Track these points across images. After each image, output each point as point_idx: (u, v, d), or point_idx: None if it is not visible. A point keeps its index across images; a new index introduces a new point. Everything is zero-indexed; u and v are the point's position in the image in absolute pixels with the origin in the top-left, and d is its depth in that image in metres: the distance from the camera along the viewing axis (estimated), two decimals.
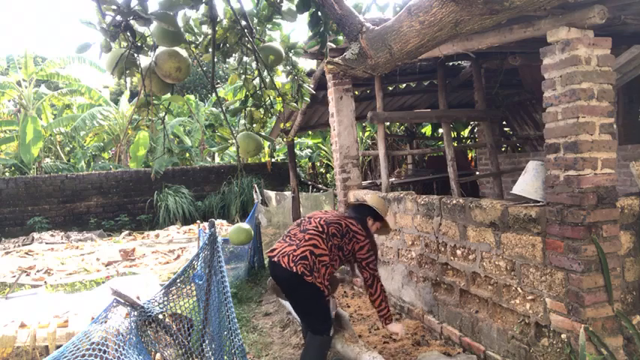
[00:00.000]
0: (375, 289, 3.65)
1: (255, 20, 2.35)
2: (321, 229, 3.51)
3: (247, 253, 7.21)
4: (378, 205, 3.91)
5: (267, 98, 2.46)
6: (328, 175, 16.14)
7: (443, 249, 4.24)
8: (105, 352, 2.06)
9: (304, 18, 2.26)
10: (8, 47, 63.79)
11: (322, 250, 3.44)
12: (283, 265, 3.38)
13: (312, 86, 3.61)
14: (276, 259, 3.45)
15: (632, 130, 7.04)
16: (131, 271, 7.61)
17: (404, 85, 8.05)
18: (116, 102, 18.12)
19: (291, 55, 2.52)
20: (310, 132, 13.29)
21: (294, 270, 3.33)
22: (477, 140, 9.65)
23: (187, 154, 17.64)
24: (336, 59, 2.14)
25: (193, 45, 2.30)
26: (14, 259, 9.11)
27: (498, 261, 3.57)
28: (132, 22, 1.69)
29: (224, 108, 2.37)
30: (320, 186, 14.30)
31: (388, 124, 11.44)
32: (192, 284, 3.03)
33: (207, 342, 2.97)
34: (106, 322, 2.39)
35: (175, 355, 2.79)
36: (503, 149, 9.80)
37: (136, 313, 2.60)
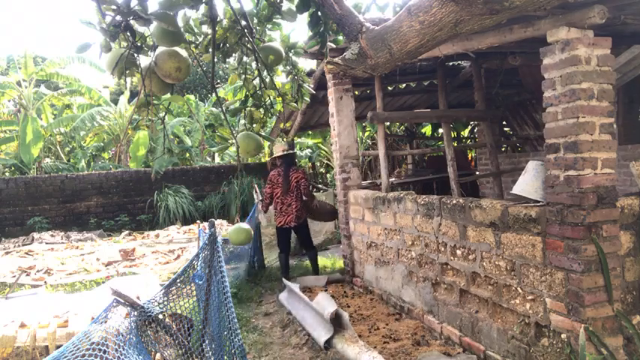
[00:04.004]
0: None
1: (255, 20, 2.35)
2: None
3: (247, 253, 7.20)
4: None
5: (267, 98, 2.46)
6: (328, 175, 16.12)
7: (443, 249, 4.24)
8: (105, 352, 2.06)
9: (304, 18, 2.26)
10: (8, 47, 63.70)
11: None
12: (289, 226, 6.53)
13: (312, 86, 3.61)
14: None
15: (632, 130, 7.04)
16: (131, 271, 7.60)
17: (404, 85, 8.05)
18: (116, 102, 18.11)
19: (291, 55, 2.52)
20: (310, 132, 13.28)
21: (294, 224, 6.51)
22: (477, 140, 9.65)
23: (187, 154, 17.63)
24: (336, 59, 2.14)
25: (193, 45, 2.30)
26: (14, 259, 9.10)
27: (498, 261, 3.57)
28: (132, 22, 1.69)
29: (224, 108, 2.37)
30: (320, 186, 14.29)
31: (388, 124, 11.44)
32: (192, 284, 3.03)
33: (207, 342, 2.97)
34: (106, 322, 2.38)
35: (175, 355, 2.79)
36: (503, 149, 9.80)
37: (136, 313, 2.60)
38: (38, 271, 7.96)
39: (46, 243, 11.18)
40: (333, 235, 9.47)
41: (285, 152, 6.61)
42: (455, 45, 4.12)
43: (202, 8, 2.08)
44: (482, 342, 3.79)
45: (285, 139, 9.09)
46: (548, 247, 3.12)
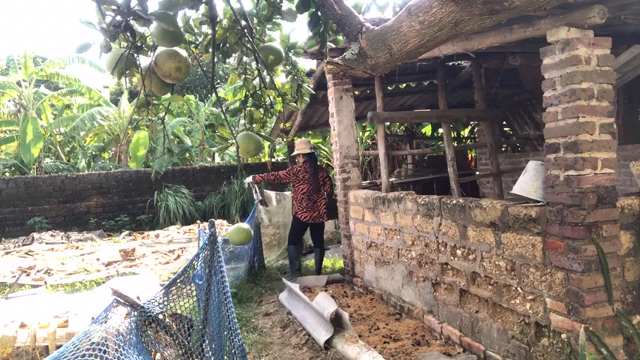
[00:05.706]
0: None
1: (255, 20, 2.35)
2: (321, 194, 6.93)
3: (247, 253, 7.21)
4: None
5: (267, 98, 2.46)
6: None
7: (443, 249, 4.24)
8: (105, 352, 2.06)
9: (304, 18, 2.26)
10: (8, 47, 63.74)
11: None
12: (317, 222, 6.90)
13: (312, 86, 3.62)
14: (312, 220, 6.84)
15: (632, 130, 7.04)
16: (131, 271, 7.60)
17: (404, 85, 8.05)
18: (116, 102, 18.10)
19: (291, 55, 2.52)
20: (310, 132, 13.27)
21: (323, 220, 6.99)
22: (477, 140, 9.65)
23: (187, 154, 17.63)
24: (336, 59, 2.15)
25: (193, 45, 2.30)
26: (14, 259, 9.11)
27: (498, 261, 3.57)
28: (132, 22, 1.69)
29: (224, 108, 2.37)
30: None
31: (388, 124, 11.44)
32: (192, 284, 3.03)
33: (207, 342, 2.97)
34: (106, 322, 2.38)
35: (175, 355, 2.79)
36: (503, 149, 9.80)
37: (136, 313, 2.60)
38: (38, 271, 7.96)
39: (46, 243, 11.18)
40: (333, 235, 9.47)
41: (312, 151, 6.96)
42: (455, 45, 4.12)
43: (202, 8, 2.08)
44: (482, 342, 3.79)
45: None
46: (548, 247, 3.12)
